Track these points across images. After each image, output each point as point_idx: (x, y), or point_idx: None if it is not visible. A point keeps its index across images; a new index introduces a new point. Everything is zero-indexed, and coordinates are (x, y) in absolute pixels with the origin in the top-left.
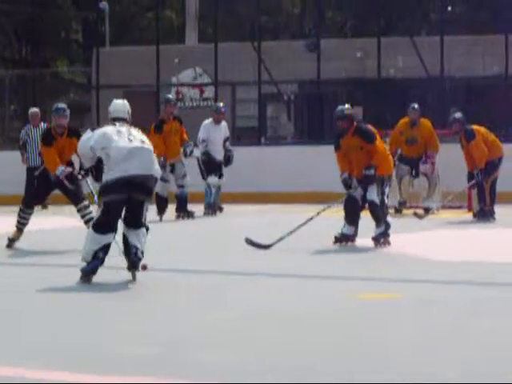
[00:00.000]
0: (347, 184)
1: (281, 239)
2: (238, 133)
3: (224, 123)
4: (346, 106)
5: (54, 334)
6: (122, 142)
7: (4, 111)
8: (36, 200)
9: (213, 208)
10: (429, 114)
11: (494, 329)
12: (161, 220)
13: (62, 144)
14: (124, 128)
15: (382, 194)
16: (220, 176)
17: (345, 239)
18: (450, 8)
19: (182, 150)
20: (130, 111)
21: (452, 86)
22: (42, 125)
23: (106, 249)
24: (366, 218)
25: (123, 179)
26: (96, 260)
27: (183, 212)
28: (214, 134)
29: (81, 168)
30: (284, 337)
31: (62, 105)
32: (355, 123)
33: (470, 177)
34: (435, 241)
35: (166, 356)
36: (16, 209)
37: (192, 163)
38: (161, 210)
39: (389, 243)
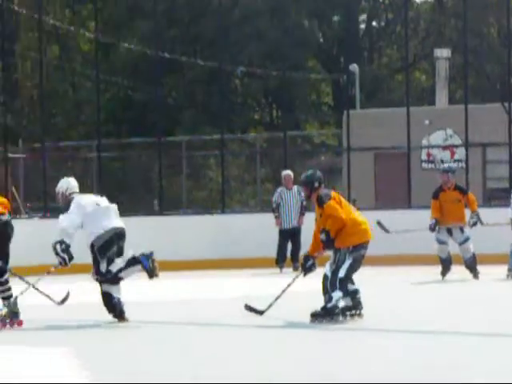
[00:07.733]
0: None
1: (271, 305)
2: (488, 194)
3: None
4: (310, 171)
5: None
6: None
7: (256, 174)
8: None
9: None
10: None
11: None
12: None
13: None
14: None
15: (337, 266)
16: None
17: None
18: None
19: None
20: None
21: None
22: (295, 188)
23: None
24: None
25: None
26: None
27: (473, 271)
28: None
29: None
30: None
31: None
32: (320, 190)
33: None
34: None
35: None
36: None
37: None
38: (444, 270)
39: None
